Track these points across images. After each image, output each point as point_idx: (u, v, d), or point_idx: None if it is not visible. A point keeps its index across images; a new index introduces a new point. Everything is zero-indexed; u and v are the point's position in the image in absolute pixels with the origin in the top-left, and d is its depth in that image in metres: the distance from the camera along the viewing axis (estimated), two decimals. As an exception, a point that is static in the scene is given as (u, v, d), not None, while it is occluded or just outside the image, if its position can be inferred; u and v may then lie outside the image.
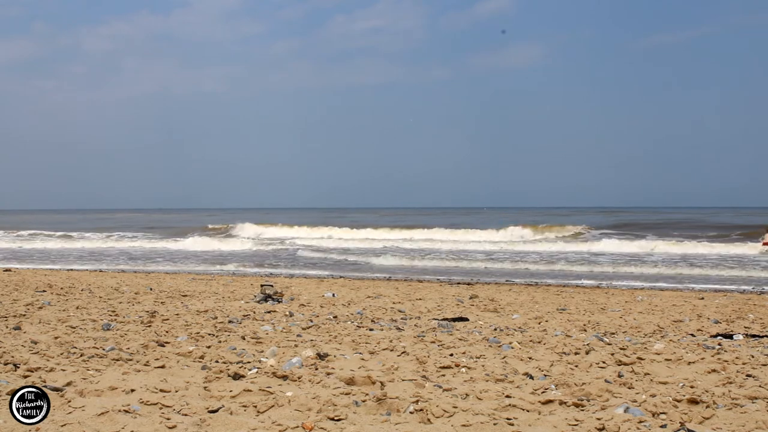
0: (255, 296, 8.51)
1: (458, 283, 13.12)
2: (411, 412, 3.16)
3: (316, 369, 4.03)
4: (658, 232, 32.42)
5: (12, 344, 4.49)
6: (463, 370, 4.12)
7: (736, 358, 4.47)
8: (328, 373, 3.90)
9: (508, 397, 3.42)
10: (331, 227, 37.52)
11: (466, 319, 6.93)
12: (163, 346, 4.70)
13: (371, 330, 5.72)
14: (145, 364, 4.10)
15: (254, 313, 6.86)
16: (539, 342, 5.13)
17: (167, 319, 6.09)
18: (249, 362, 4.22)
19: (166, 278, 13.11)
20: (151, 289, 9.75)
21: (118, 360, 4.18)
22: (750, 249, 21.95)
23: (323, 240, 30.62)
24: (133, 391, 3.36)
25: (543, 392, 3.57)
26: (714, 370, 4.09)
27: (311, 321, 6.29)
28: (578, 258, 20.02)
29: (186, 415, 3.03)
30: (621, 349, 4.80)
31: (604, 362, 4.34)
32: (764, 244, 22.53)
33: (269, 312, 6.99)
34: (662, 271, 16.29)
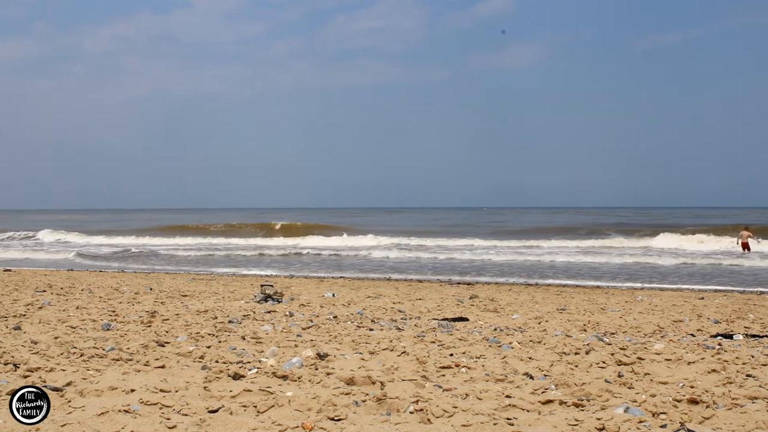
0: (255, 296, 8.50)
1: (458, 283, 13.12)
2: (411, 412, 3.16)
3: (316, 369, 4.03)
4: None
5: (12, 344, 4.49)
6: (463, 370, 4.11)
7: (736, 358, 4.47)
8: (328, 373, 3.90)
9: (508, 397, 3.42)
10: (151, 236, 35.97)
11: (466, 319, 6.93)
12: (163, 346, 4.70)
13: (371, 330, 5.72)
14: (145, 364, 4.09)
15: (254, 313, 6.86)
16: (539, 342, 5.13)
17: (167, 319, 6.09)
18: (249, 362, 4.21)
19: (166, 278, 13.11)
20: (151, 289, 9.75)
21: (118, 360, 4.18)
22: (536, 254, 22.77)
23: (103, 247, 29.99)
24: (133, 391, 3.36)
25: (543, 392, 3.56)
26: (714, 370, 4.09)
27: (311, 321, 6.29)
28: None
29: (186, 415, 3.03)
30: (621, 349, 4.80)
31: (604, 362, 4.33)
32: (742, 244, 22.40)
33: (269, 312, 6.99)
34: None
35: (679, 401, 3.34)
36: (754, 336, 5.98)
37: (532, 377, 3.96)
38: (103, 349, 4.43)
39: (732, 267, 17.90)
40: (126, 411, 3.00)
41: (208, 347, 4.68)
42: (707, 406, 3.26)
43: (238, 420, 2.93)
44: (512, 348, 4.85)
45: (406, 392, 3.45)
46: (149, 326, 5.65)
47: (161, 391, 3.39)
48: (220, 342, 4.91)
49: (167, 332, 5.32)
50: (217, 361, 4.25)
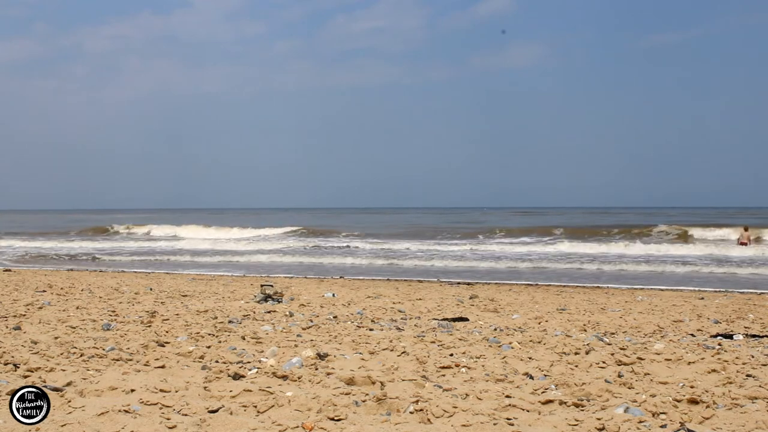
0: (255, 296, 8.50)
1: (458, 283, 13.12)
2: (411, 412, 3.16)
3: (316, 369, 4.03)
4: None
5: (12, 344, 4.49)
6: (463, 370, 4.11)
7: (736, 358, 4.47)
8: (328, 373, 3.90)
9: (508, 397, 3.42)
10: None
11: (466, 319, 6.93)
12: (163, 346, 4.70)
13: (371, 330, 5.72)
14: (145, 364, 4.10)
15: (254, 313, 6.86)
16: (539, 342, 5.12)
17: (167, 319, 6.09)
18: (249, 362, 4.21)
19: (166, 278, 13.11)
20: (151, 289, 9.75)
21: (118, 360, 4.18)
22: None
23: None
24: (133, 391, 3.36)
25: (543, 392, 3.56)
26: (714, 370, 4.09)
27: (311, 321, 6.29)
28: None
29: (186, 415, 3.03)
30: (621, 349, 4.80)
31: (604, 362, 4.34)
32: (740, 243, 22.44)
33: (269, 312, 6.99)
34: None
35: (679, 401, 3.34)
36: (754, 336, 5.98)
37: (532, 377, 3.96)
38: (103, 349, 4.43)
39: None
40: (126, 411, 3.00)
41: (208, 347, 4.69)
42: (707, 406, 3.26)
43: (238, 420, 2.93)
44: (512, 348, 4.85)
45: (406, 392, 3.45)
46: (149, 326, 5.65)
47: (161, 391, 3.39)
48: (220, 342, 4.91)
49: (167, 332, 5.32)
50: (217, 361, 4.25)
